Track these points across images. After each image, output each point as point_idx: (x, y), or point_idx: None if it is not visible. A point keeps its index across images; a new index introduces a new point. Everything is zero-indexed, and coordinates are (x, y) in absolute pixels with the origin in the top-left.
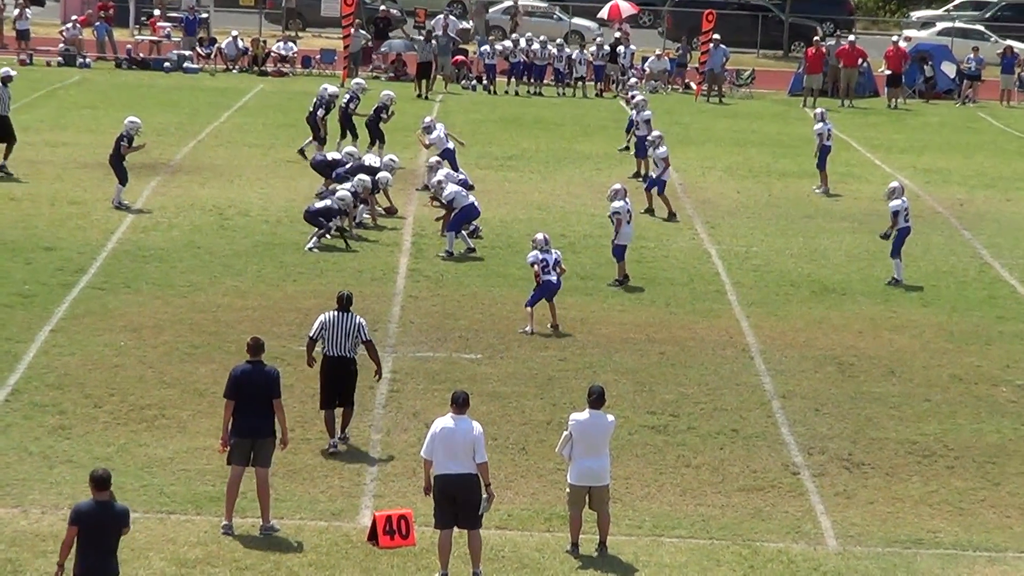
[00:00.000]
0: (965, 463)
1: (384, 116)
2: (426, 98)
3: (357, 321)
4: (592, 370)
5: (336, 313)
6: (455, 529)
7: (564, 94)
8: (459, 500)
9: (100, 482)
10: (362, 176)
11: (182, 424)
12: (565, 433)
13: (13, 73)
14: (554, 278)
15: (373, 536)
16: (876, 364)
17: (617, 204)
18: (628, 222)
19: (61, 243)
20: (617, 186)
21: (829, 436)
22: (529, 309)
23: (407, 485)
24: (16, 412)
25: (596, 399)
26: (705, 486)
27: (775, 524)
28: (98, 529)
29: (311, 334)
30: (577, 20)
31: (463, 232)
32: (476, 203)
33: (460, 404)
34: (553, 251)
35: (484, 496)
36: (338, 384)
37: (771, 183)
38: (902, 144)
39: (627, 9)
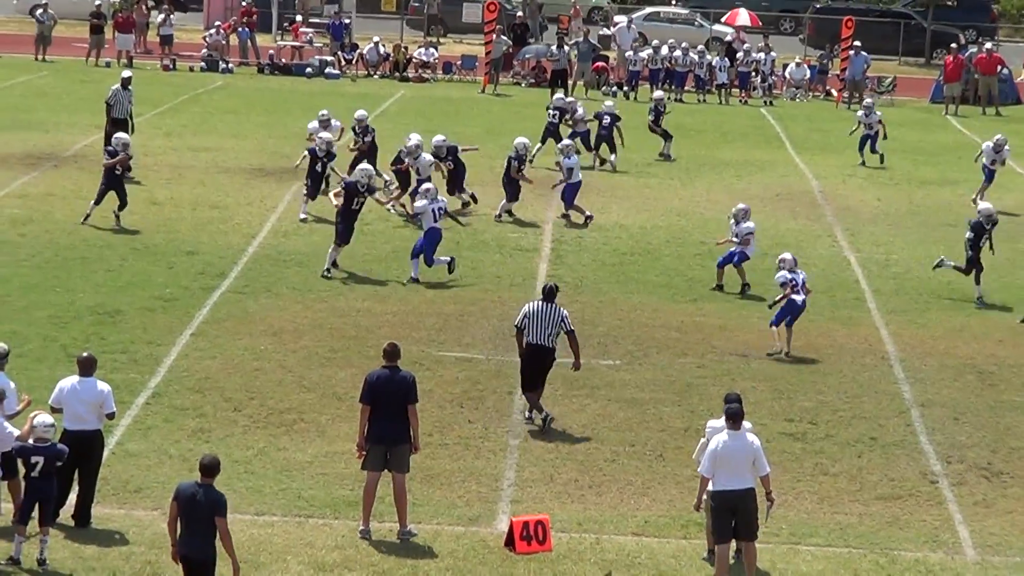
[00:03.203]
0: None
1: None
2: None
3: (561, 313)
4: (730, 377)
5: (540, 303)
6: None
7: (704, 100)
8: (739, 513)
9: (205, 468)
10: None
11: (321, 428)
12: (702, 440)
13: (128, 74)
14: (800, 299)
15: (510, 541)
16: (1017, 373)
17: (751, 224)
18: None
19: (202, 247)
20: (743, 206)
21: (968, 445)
22: (774, 328)
23: (544, 491)
24: (157, 415)
25: (733, 419)
26: (843, 494)
27: (913, 533)
28: (194, 509)
29: (516, 323)
30: (718, 27)
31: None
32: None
33: (735, 418)
34: (799, 271)
35: (768, 503)
36: (539, 370)
37: (912, 191)
38: None
39: (743, 18)
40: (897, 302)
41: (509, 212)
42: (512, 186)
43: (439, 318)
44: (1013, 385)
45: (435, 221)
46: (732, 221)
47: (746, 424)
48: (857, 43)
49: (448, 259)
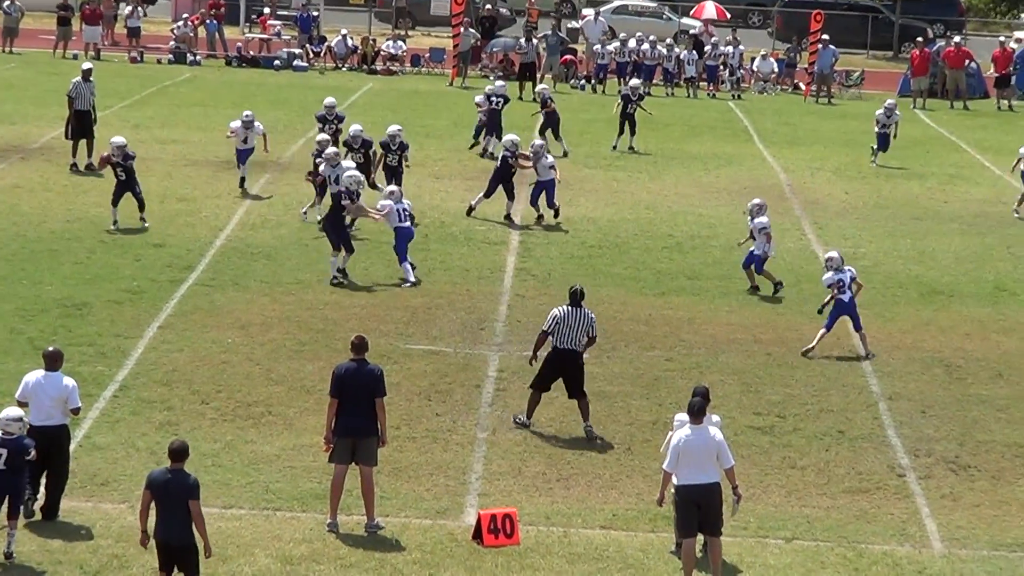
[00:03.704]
0: None
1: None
2: (534, 99)
3: (590, 317)
4: (699, 370)
5: (568, 308)
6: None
7: (672, 94)
8: (704, 508)
9: (174, 453)
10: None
11: (288, 421)
12: (670, 433)
13: (89, 66)
14: (847, 297)
15: (478, 535)
16: (984, 366)
17: (765, 219)
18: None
19: (170, 240)
20: (758, 201)
21: (936, 438)
22: (824, 331)
23: (512, 484)
24: (124, 408)
25: (694, 413)
26: (810, 487)
27: (880, 526)
28: (168, 495)
29: (545, 327)
30: (686, 20)
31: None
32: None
33: (696, 412)
34: (848, 268)
35: (735, 498)
36: (565, 375)
37: (880, 184)
38: (1012, 146)
39: (710, 11)
40: (865, 296)
41: (508, 216)
42: (510, 184)
43: (407, 311)
44: (980, 379)
45: (400, 221)
46: (748, 217)
47: (715, 417)
48: (825, 36)
49: (414, 281)
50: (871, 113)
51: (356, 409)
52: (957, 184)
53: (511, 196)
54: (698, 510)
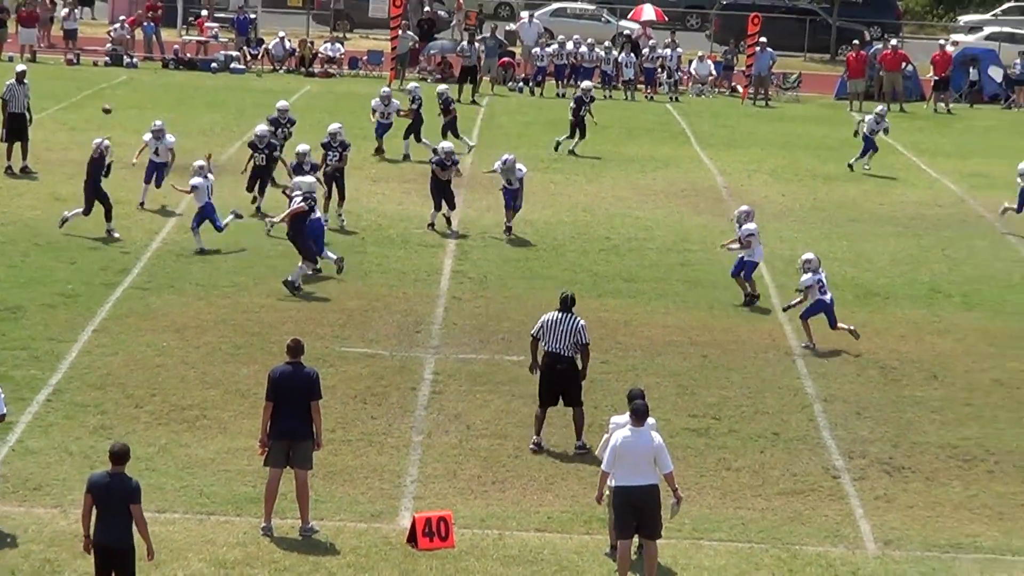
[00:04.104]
0: (1006, 467)
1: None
2: (473, 101)
3: (578, 323)
4: (635, 372)
5: (557, 313)
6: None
7: (610, 96)
8: (641, 510)
9: (115, 456)
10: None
11: (223, 425)
12: (605, 436)
13: (23, 68)
14: (828, 298)
15: (412, 538)
16: (918, 368)
17: (752, 226)
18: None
19: (105, 243)
20: (746, 208)
21: (870, 440)
22: (805, 323)
23: (447, 487)
24: (57, 412)
25: (637, 415)
26: (745, 489)
27: (814, 528)
28: (108, 498)
29: (533, 331)
30: (624, 23)
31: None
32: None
33: (638, 417)
34: (820, 270)
35: (672, 500)
36: (558, 383)
37: (816, 187)
38: (948, 148)
39: (648, 13)
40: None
41: (447, 220)
42: (448, 193)
43: (343, 314)
44: (915, 380)
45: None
46: (736, 224)
47: (650, 421)
48: (763, 39)
49: (337, 257)
50: (808, 116)
51: (291, 412)
52: (893, 186)
53: (451, 205)
54: (634, 512)
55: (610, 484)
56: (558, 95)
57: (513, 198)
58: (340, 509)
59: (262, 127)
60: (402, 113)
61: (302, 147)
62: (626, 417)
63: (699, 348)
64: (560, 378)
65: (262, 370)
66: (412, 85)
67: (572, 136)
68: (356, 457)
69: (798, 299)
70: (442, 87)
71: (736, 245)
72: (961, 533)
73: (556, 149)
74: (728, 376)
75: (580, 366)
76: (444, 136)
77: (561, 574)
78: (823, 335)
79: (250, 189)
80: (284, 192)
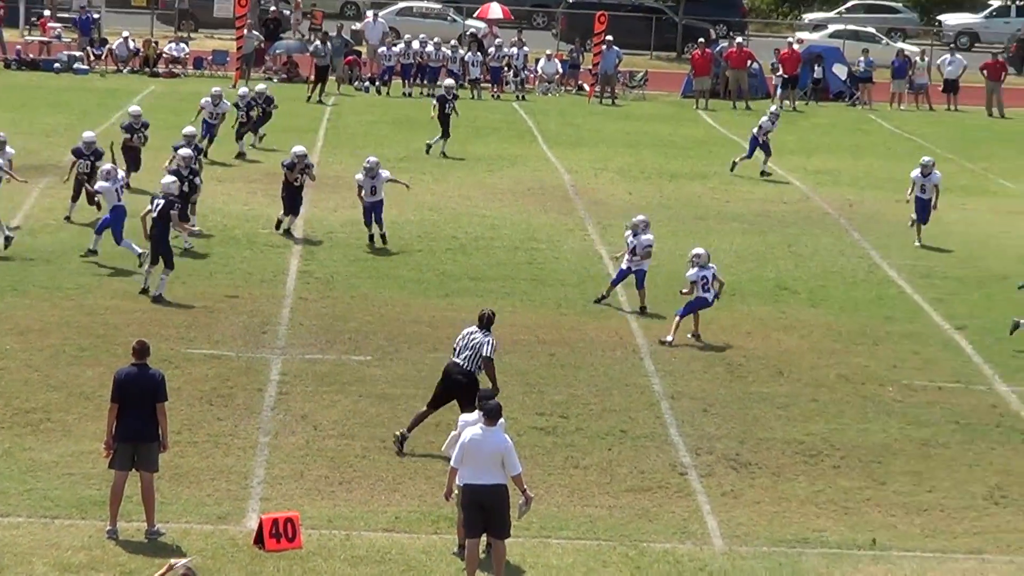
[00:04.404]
0: (851, 462)
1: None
2: (320, 101)
3: (483, 340)
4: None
5: (475, 328)
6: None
7: (457, 96)
8: (488, 510)
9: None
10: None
11: (67, 428)
12: (453, 433)
13: None
14: (710, 296)
15: (259, 539)
16: (764, 364)
17: (651, 236)
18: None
19: None
20: (643, 217)
21: (717, 436)
22: (678, 318)
23: (294, 488)
24: None
25: (490, 415)
26: (593, 487)
27: (662, 524)
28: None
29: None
30: (471, 21)
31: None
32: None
33: (490, 416)
34: (711, 265)
35: (521, 501)
36: (453, 390)
37: (663, 184)
38: (792, 145)
39: (495, 12)
40: (647, 295)
41: (282, 225)
42: (297, 198)
43: (188, 315)
44: (761, 377)
45: (119, 200)
46: (629, 233)
47: (500, 421)
48: (609, 37)
49: (140, 251)
50: (654, 114)
51: (137, 414)
52: (739, 184)
53: (295, 212)
54: (482, 511)
55: (459, 483)
56: (404, 94)
57: (375, 210)
58: (186, 511)
59: (89, 133)
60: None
61: (299, 148)
62: (475, 415)
63: (546, 346)
64: (455, 386)
65: (107, 372)
66: (261, 87)
67: (444, 135)
68: (202, 459)
69: (688, 290)
70: (261, 86)
71: (630, 256)
72: (807, 528)
73: (428, 152)
74: (575, 374)
75: (489, 380)
76: (240, 137)
77: (409, 574)
78: (668, 331)
79: (75, 198)
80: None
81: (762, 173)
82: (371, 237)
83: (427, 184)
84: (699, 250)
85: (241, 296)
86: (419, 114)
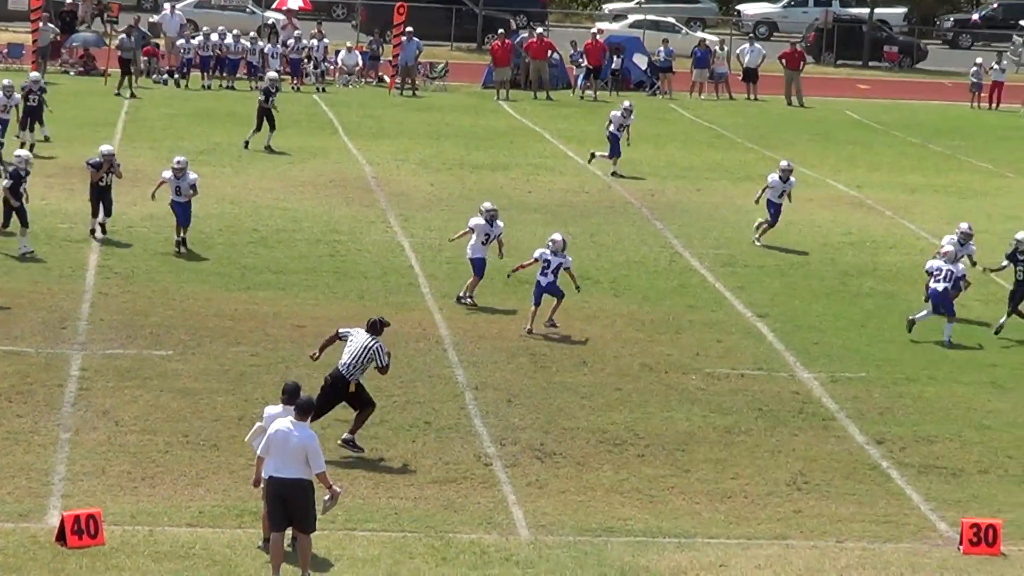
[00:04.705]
0: (655, 451)
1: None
2: (117, 94)
3: (370, 348)
4: (285, 364)
5: (363, 331)
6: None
7: (257, 88)
8: (291, 504)
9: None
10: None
11: None
12: (258, 424)
13: None
14: (544, 281)
15: (61, 536)
16: (568, 354)
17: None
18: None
19: None
20: (488, 205)
21: (521, 427)
22: (533, 309)
23: (96, 484)
24: None
25: (301, 409)
26: (398, 479)
27: (467, 515)
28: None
29: (339, 329)
30: (270, 13)
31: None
32: None
33: (300, 412)
34: (566, 256)
35: (326, 497)
36: (335, 398)
37: (464, 176)
38: (594, 136)
39: (294, 2)
40: (451, 286)
41: (102, 228)
42: (104, 197)
43: None
44: (564, 366)
45: None
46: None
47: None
48: (409, 29)
49: None
50: (456, 105)
51: None
52: (541, 174)
53: (108, 211)
54: (285, 504)
55: (264, 474)
56: (204, 87)
57: (183, 210)
58: None
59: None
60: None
61: (106, 147)
62: (279, 408)
63: None
64: (335, 393)
65: None
66: (34, 75)
67: (258, 130)
68: (2, 456)
69: (518, 266)
70: (35, 74)
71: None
72: (612, 517)
73: (246, 147)
74: None
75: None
76: (25, 127)
77: (214, 568)
78: (471, 322)
79: None
80: None
81: (591, 155)
82: (177, 243)
83: (227, 177)
84: (556, 236)
85: (40, 291)
86: (218, 107)
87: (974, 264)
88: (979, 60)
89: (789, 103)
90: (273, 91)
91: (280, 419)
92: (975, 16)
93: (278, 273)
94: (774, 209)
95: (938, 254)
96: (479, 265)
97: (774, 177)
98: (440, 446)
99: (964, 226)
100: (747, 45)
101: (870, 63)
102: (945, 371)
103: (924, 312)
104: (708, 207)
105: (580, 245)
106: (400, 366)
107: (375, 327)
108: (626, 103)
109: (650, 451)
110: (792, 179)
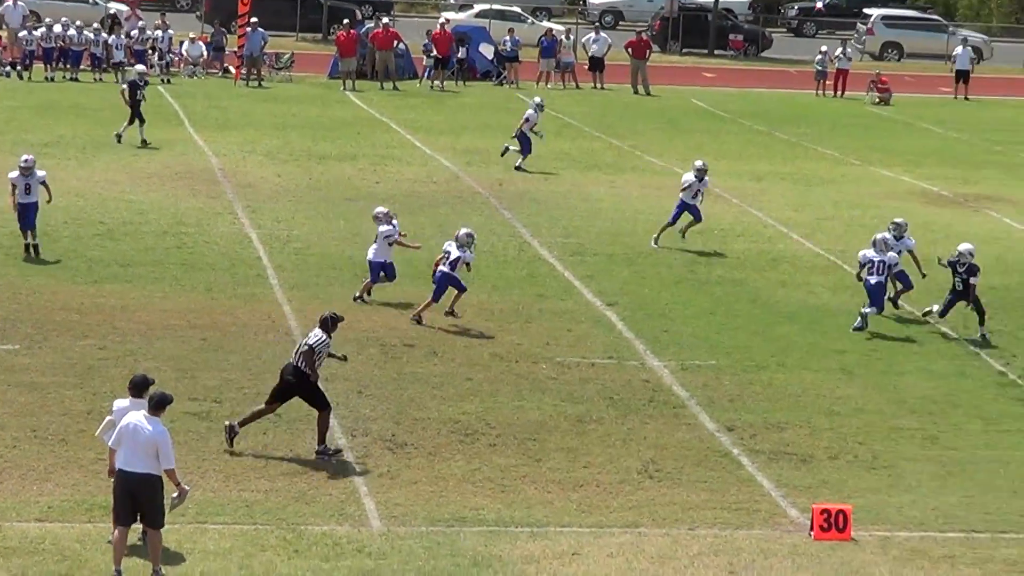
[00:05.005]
0: (507, 440)
1: None
2: None
3: (305, 344)
4: (133, 358)
5: (320, 332)
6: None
7: (101, 79)
8: (139, 498)
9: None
10: None
11: None
12: (108, 418)
13: None
14: (438, 272)
15: None
16: (418, 345)
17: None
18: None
19: None
20: (384, 208)
21: (372, 418)
22: (431, 301)
23: None
24: None
25: (156, 405)
26: (249, 471)
27: (319, 507)
28: None
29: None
30: (113, 4)
31: None
32: None
33: (155, 406)
34: (468, 251)
35: (175, 495)
36: (288, 391)
37: (311, 166)
38: (441, 126)
39: None
40: (299, 277)
41: None
42: None
43: None
44: (415, 357)
45: None
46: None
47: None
48: (254, 19)
49: None
50: (302, 95)
51: None
52: (388, 164)
53: None
54: (131, 499)
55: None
56: (47, 79)
57: (31, 212)
58: None
59: None
60: None
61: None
62: (128, 402)
63: (198, 331)
64: (288, 387)
65: None
66: None
67: (131, 123)
68: None
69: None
70: None
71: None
72: (464, 507)
73: (119, 141)
74: (228, 358)
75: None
76: None
77: (63, 564)
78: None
79: None
80: None
81: (505, 147)
82: (27, 247)
83: (72, 169)
84: (463, 230)
85: None
86: (62, 98)
87: (919, 266)
88: (824, 48)
89: (636, 92)
90: (141, 84)
91: (133, 412)
92: (819, 4)
93: (125, 266)
94: (692, 210)
95: (874, 244)
96: (377, 268)
97: (689, 176)
98: (291, 438)
99: (898, 220)
100: (593, 34)
101: (715, 51)
102: (795, 358)
103: (869, 309)
104: (556, 196)
105: (428, 235)
106: (250, 358)
107: (326, 324)
108: (537, 99)
109: (501, 440)
110: (706, 179)
